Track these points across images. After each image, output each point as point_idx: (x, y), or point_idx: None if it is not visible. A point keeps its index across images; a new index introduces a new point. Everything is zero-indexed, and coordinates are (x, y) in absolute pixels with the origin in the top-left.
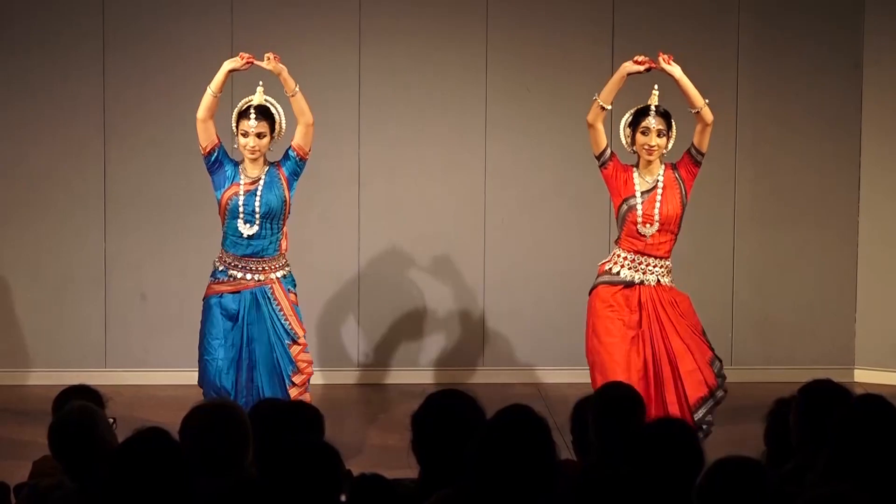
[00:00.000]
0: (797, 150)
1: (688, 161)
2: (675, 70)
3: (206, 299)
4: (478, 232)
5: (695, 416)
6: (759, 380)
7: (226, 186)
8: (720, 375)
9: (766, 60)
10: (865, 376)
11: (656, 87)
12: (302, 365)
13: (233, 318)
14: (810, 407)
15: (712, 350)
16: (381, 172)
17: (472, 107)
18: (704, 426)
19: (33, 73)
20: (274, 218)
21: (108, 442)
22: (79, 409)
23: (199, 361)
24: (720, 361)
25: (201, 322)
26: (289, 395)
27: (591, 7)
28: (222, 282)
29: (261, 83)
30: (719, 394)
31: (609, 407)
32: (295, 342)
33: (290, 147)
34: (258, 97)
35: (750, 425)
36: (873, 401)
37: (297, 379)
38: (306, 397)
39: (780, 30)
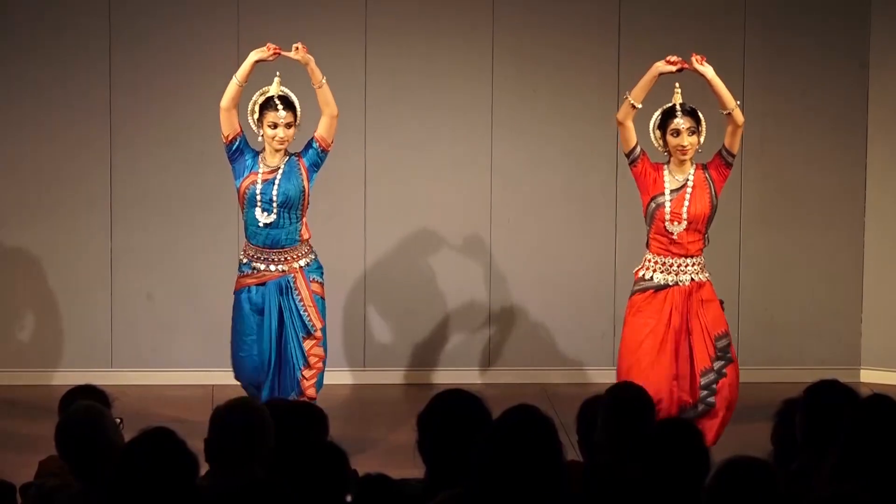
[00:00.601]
0: (803, 151)
1: (718, 163)
2: (708, 70)
3: (235, 294)
4: (484, 232)
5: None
6: (765, 380)
7: (244, 175)
8: (705, 388)
9: (771, 60)
10: (871, 376)
11: (677, 85)
12: (312, 360)
13: (260, 311)
14: (816, 407)
15: (711, 361)
16: (387, 173)
17: (477, 107)
18: None
19: (39, 72)
20: (292, 207)
21: (114, 442)
22: (85, 408)
23: (232, 357)
24: (716, 374)
25: (233, 318)
26: (299, 389)
27: (596, 7)
28: (247, 275)
29: (278, 74)
30: (690, 413)
31: (620, 408)
32: (310, 335)
33: (312, 138)
34: (275, 88)
35: (756, 425)
36: (883, 401)
37: (307, 373)
38: (311, 392)
39: (785, 30)
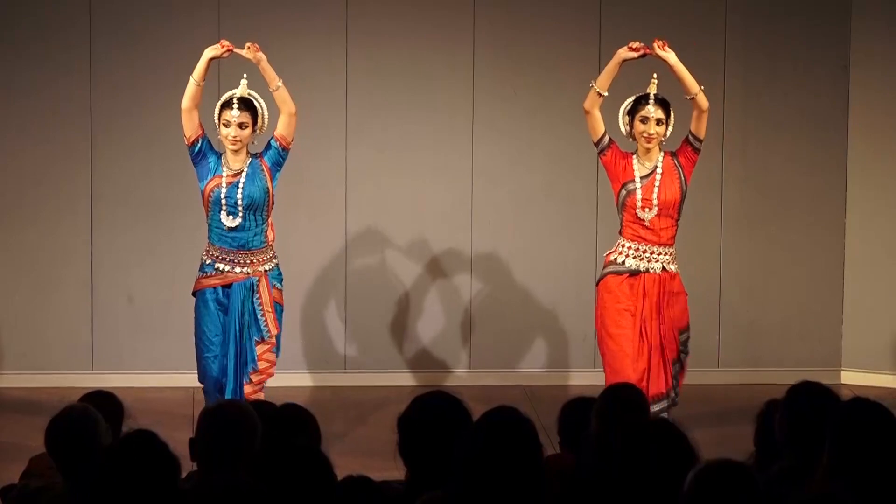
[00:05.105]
0: (784, 151)
1: (686, 148)
2: (670, 56)
3: (197, 293)
4: (465, 233)
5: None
6: (746, 381)
7: (208, 178)
8: (672, 378)
9: (753, 61)
10: (852, 378)
11: (655, 75)
12: (262, 365)
13: (225, 311)
14: (797, 409)
15: (678, 354)
16: (369, 174)
17: (459, 107)
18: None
19: (19, 74)
20: (257, 210)
21: (102, 446)
22: (81, 410)
23: (197, 358)
24: (679, 365)
25: (196, 318)
26: (242, 393)
27: (577, 9)
28: (210, 275)
29: (245, 76)
30: (663, 404)
31: (615, 409)
32: (263, 340)
33: (272, 137)
34: (242, 90)
35: (736, 427)
36: (871, 406)
37: (254, 377)
38: (260, 397)
39: (767, 30)
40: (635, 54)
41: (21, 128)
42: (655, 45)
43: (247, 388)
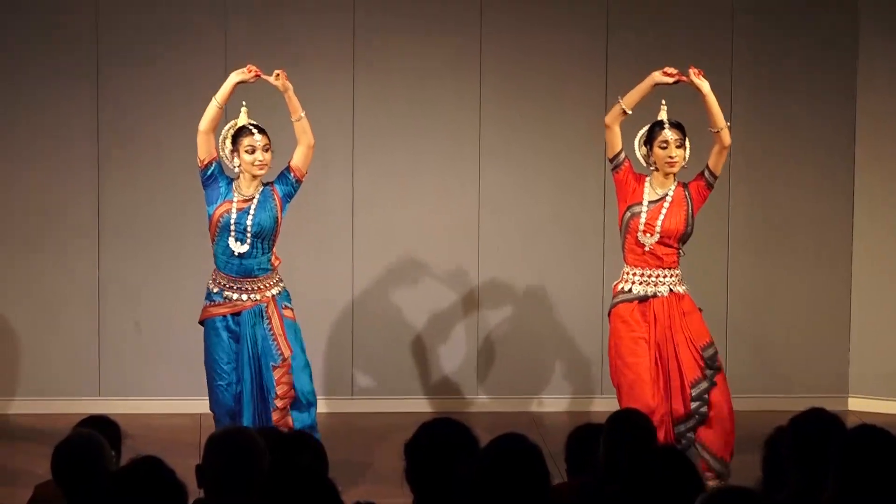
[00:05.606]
0: (791, 177)
1: (700, 182)
2: (704, 85)
3: (206, 322)
4: (472, 260)
5: (675, 428)
6: (753, 408)
7: (218, 203)
8: (697, 399)
9: (759, 87)
10: (859, 404)
11: (663, 101)
12: (282, 389)
13: (237, 339)
14: (803, 436)
15: (702, 371)
16: (375, 200)
17: (465, 134)
18: (684, 440)
19: (26, 99)
20: (265, 238)
21: (108, 472)
22: (86, 435)
23: (209, 387)
24: (707, 382)
25: (207, 346)
26: (271, 419)
27: (584, 36)
28: (218, 304)
29: (244, 104)
30: (684, 425)
31: (622, 434)
32: (278, 365)
33: (287, 168)
34: (243, 118)
35: (744, 454)
36: (877, 432)
37: (278, 403)
38: (288, 421)
39: (773, 56)
40: (669, 80)
41: (27, 153)
42: (691, 71)
43: (274, 416)
